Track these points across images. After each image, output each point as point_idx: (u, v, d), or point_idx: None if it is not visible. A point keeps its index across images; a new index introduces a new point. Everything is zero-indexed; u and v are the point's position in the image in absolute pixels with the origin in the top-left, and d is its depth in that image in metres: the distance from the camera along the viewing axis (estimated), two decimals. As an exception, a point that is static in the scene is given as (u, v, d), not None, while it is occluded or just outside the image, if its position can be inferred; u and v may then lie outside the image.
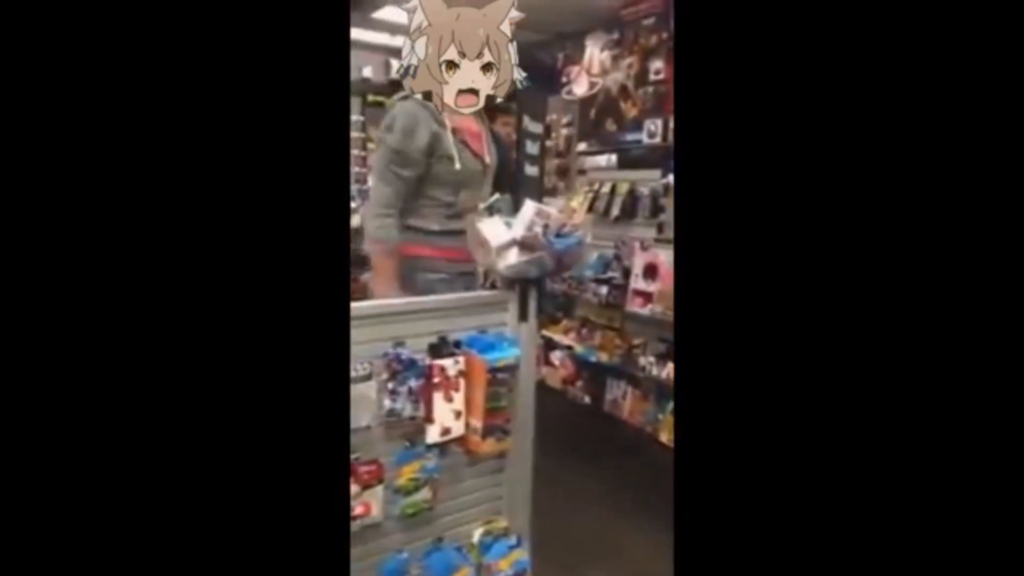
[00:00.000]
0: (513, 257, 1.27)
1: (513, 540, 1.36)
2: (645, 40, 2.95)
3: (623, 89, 3.06)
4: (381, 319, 1.19)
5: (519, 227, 1.26)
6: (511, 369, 1.28)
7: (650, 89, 2.93)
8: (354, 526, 1.16)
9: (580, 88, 3.32)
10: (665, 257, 2.61)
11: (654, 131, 2.86)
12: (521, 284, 1.35)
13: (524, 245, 1.25)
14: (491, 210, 1.37)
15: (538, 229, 1.25)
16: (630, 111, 3.02)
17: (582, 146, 3.32)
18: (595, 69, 3.23)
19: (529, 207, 1.26)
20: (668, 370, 2.56)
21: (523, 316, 1.37)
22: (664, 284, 2.59)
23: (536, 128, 2.92)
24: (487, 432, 1.26)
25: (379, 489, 1.19)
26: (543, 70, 3.29)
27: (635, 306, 2.71)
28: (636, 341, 2.80)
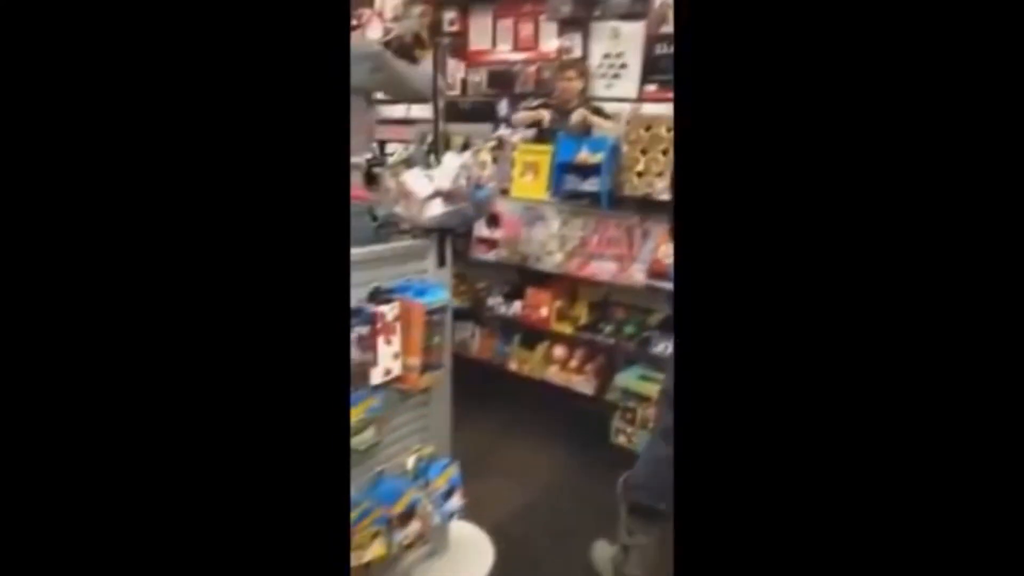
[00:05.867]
0: (438, 208, 1.38)
1: (445, 460, 1.53)
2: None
3: (417, 38, 3.12)
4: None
5: (444, 179, 1.37)
6: (442, 310, 1.41)
7: (445, 40, 2.99)
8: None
9: (374, 33, 3.26)
10: (505, 207, 2.86)
11: (452, 83, 2.94)
12: (439, 232, 1.47)
13: (449, 196, 1.37)
14: (408, 163, 1.44)
15: (462, 181, 1.37)
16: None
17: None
18: (388, 15, 3.19)
19: (454, 159, 1.38)
20: (514, 308, 2.86)
21: (442, 262, 1.49)
22: (506, 231, 2.85)
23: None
24: (424, 369, 1.39)
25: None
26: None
27: (479, 253, 2.93)
28: (480, 285, 3.05)
